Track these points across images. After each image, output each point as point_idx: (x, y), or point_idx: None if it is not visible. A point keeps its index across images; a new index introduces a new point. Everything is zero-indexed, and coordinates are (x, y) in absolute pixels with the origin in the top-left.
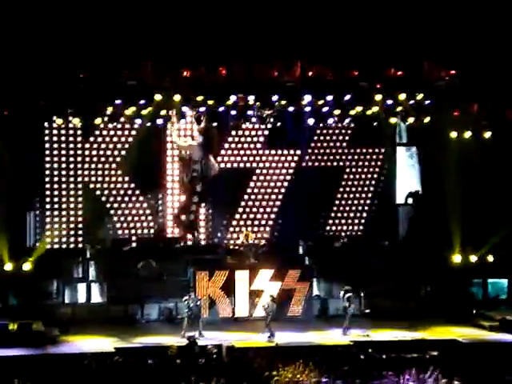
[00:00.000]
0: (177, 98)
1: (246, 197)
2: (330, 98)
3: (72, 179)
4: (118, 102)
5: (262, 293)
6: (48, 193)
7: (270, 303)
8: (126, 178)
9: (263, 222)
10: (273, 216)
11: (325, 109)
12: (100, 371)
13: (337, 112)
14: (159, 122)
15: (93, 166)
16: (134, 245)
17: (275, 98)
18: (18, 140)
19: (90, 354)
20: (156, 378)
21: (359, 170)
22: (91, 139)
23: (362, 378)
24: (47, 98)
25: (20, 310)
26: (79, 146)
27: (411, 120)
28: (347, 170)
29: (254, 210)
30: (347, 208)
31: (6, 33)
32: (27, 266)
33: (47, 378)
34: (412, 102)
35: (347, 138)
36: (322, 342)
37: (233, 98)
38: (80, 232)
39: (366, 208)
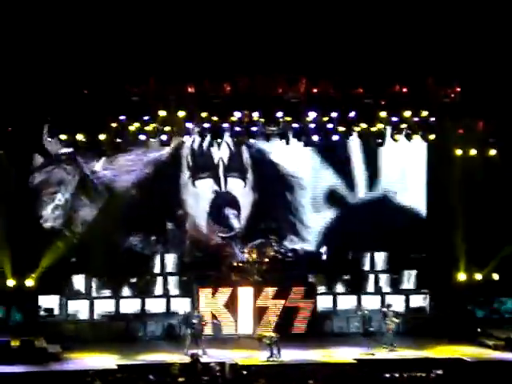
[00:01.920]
0: (181, 114)
1: None
2: (334, 114)
3: None
4: (121, 117)
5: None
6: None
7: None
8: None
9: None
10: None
11: (329, 125)
12: None
13: (341, 129)
14: (163, 138)
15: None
16: None
17: (280, 114)
18: (23, 156)
19: (93, 370)
20: None
21: None
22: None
23: None
24: (51, 114)
25: (22, 326)
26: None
27: (416, 137)
28: None
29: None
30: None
31: (10, 48)
32: (30, 282)
33: None
34: (417, 119)
35: None
36: (326, 360)
37: (237, 115)
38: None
39: None
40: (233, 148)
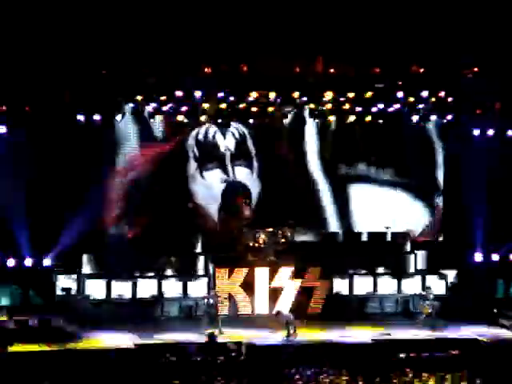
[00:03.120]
0: (197, 94)
1: None
2: (351, 95)
3: None
4: (138, 98)
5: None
6: None
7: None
8: None
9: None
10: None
11: (346, 106)
12: (120, 367)
13: (358, 109)
14: (179, 118)
15: None
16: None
17: (296, 94)
18: (41, 135)
19: (110, 349)
20: (175, 375)
21: None
22: None
23: (383, 377)
24: (69, 95)
25: (40, 305)
26: None
27: (434, 118)
28: None
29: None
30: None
31: (27, 29)
32: (47, 262)
33: (67, 374)
34: (434, 99)
35: None
36: (342, 341)
37: (254, 95)
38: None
39: None
40: (238, 137)
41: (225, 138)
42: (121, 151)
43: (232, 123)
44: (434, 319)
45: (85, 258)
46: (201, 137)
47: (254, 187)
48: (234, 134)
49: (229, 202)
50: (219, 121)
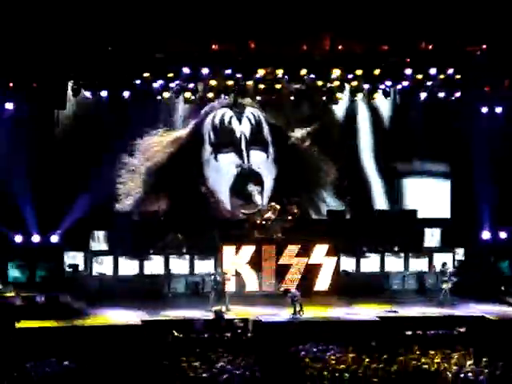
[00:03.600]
0: (205, 71)
1: None
2: (359, 72)
3: None
4: (145, 74)
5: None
6: None
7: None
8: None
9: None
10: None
11: (354, 83)
12: (127, 343)
13: (366, 86)
14: (187, 95)
15: None
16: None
17: (304, 71)
18: (47, 111)
19: (117, 326)
20: (182, 351)
21: None
22: None
23: (389, 354)
24: (75, 70)
25: (47, 282)
26: None
27: (442, 95)
28: None
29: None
30: None
31: (35, 7)
32: (55, 239)
33: (74, 350)
34: (442, 76)
35: None
36: (348, 318)
37: (261, 72)
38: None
39: None
40: (253, 121)
41: (240, 123)
42: (133, 131)
43: (248, 107)
44: (446, 296)
45: (93, 234)
46: (217, 121)
47: (269, 172)
48: (249, 120)
49: (240, 188)
50: (225, 98)
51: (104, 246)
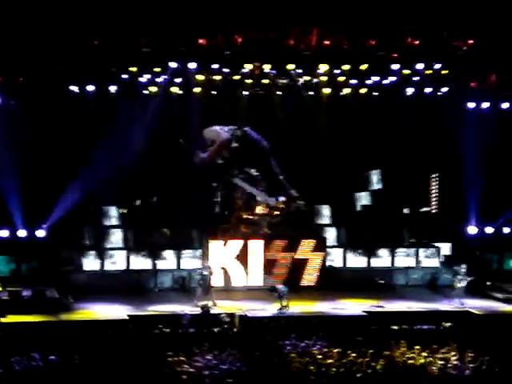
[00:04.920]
0: (192, 65)
1: None
2: (346, 67)
3: None
4: (133, 69)
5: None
6: None
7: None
8: None
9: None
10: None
11: (341, 78)
12: (113, 338)
13: (353, 82)
14: (174, 90)
15: None
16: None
17: (291, 66)
18: (35, 106)
19: (104, 321)
20: (169, 346)
21: None
22: None
23: (375, 349)
24: (62, 65)
25: (34, 276)
26: None
27: (428, 90)
28: None
29: None
30: None
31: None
32: (41, 233)
33: (60, 344)
34: (429, 71)
35: None
36: (335, 313)
37: (248, 67)
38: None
39: None
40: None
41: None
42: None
43: None
44: (459, 295)
45: (80, 230)
46: None
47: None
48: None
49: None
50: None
51: (91, 241)
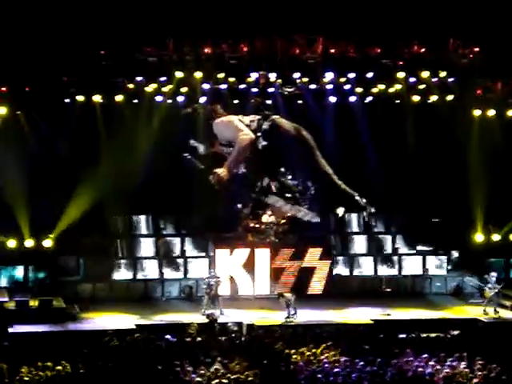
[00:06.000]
0: (198, 75)
1: None
2: (352, 75)
3: None
4: (138, 78)
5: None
6: None
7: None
8: None
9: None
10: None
11: (347, 86)
12: (120, 348)
13: (359, 90)
14: (180, 99)
15: None
16: None
17: (297, 75)
18: (41, 116)
19: (111, 330)
20: (176, 355)
21: None
22: None
23: (383, 357)
24: (68, 75)
25: (41, 286)
26: None
27: (434, 98)
28: None
29: None
30: None
31: (27, 9)
32: (48, 243)
33: (67, 354)
34: (435, 79)
35: None
36: (342, 321)
37: (254, 76)
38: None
39: None
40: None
41: None
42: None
43: None
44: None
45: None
46: None
47: None
48: None
49: None
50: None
51: (97, 250)
